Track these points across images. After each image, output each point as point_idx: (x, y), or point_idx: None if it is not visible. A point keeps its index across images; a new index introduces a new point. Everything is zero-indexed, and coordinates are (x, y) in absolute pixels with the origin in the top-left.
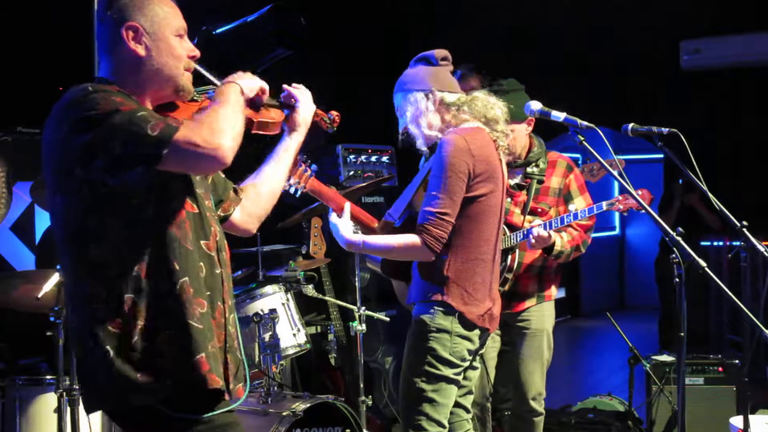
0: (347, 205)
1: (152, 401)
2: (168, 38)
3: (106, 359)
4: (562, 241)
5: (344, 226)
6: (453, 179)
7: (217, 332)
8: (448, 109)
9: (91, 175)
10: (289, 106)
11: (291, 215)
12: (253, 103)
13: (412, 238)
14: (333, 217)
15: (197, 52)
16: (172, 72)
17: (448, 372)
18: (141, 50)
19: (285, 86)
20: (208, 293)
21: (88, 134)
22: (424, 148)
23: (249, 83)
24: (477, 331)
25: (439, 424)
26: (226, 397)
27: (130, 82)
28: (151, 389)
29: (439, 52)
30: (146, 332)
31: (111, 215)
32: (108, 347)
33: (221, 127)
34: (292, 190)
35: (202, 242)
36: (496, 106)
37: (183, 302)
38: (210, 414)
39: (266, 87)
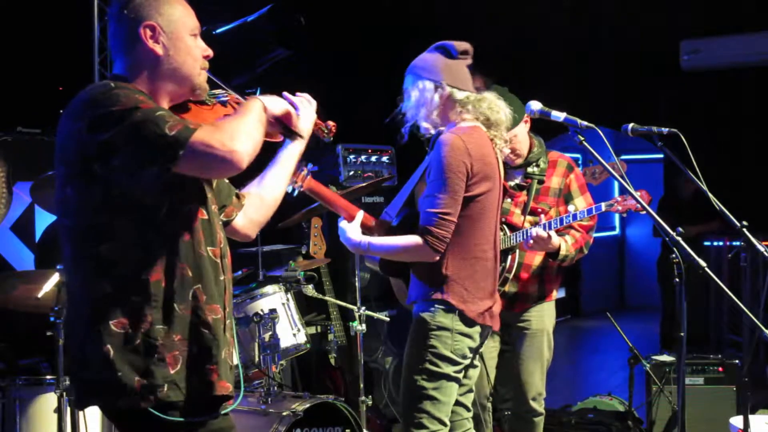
0: (359, 214)
1: (141, 406)
2: (185, 38)
3: (104, 357)
4: (566, 246)
5: (351, 230)
6: (452, 179)
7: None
8: (453, 106)
9: (109, 172)
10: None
11: (291, 215)
12: (286, 128)
13: (415, 239)
14: (343, 222)
15: (211, 52)
16: (189, 71)
17: (449, 369)
18: (159, 49)
19: (285, 94)
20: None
21: (109, 131)
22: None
23: (273, 101)
24: (477, 328)
25: (441, 422)
26: (230, 402)
27: (146, 80)
28: (144, 394)
29: (460, 45)
30: (150, 337)
31: (123, 215)
32: (108, 345)
33: (238, 132)
34: (289, 190)
35: (209, 249)
36: (501, 111)
37: (195, 309)
38: (205, 417)
39: (292, 110)
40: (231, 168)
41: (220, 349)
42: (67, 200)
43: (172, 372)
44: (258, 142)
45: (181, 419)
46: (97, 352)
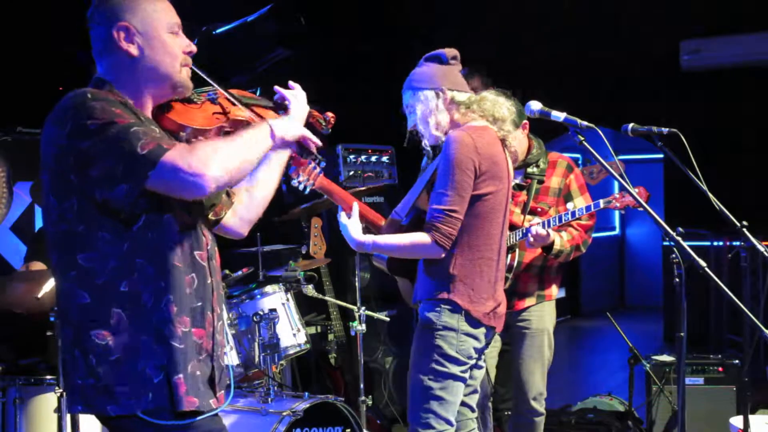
0: (356, 205)
1: (129, 412)
2: (161, 36)
3: (89, 364)
4: (561, 240)
5: (353, 227)
6: (460, 176)
7: (206, 342)
8: (457, 108)
9: (85, 184)
10: (282, 107)
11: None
12: (302, 149)
13: (421, 237)
14: (342, 218)
15: (193, 48)
16: (167, 70)
17: (455, 369)
18: (134, 50)
19: (277, 88)
20: (199, 304)
21: (84, 143)
22: (428, 147)
23: (287, 127)
24: (483, 329)
25: (447, 422)
26: (213, 404)
27: (127, 82)
28: (129, 402)
29: (450, 51)
30: (130, 347)
31: (100, 225)
32: (92, 354)
33: (214, 156)
34: (300, 187)
35: (196, 253)
36: (504, 106)
37: (167, 321)
38: (191, 420)
39: (309, 135)
40: (196, 191)
41: (188, 362)
42: (49, 208)
43: (155, 381)
44: (240, 166)
45: (170, 422)
46: (83, 359)
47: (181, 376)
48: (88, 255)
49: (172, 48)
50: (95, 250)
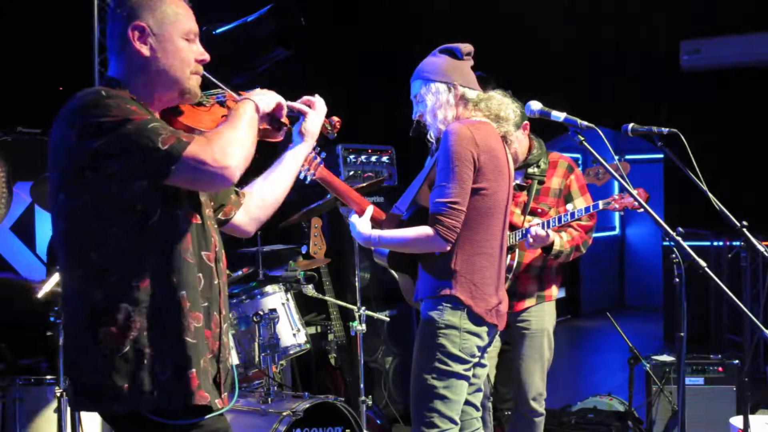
0: (370, 208)
1: (135, 410)
2: (175, 40)
3: (96, 363)
4: (561, 241)
5: (362, 224)
6: (460, 167)
7: (212, 342)
8: (465, 105)
9: (100, 181)
10: (301, 113)
11: (291, 214)
12: (273, 119)
13: (425, 230)
14: (354, 217)
15: (207, 57)
16: (177, 74)
17: (458, 368)
18: (145, 50)
19: (310, 97)
20: (206, 305)
21: (99, 140)
22: (432, 140)
23: (266, 99)
24: (485, 327)
25: (452, 421)
26: (219, 404)
27: (137, 82)
28: (136, 400)
29: (465, 47)
30: (139, 344)
31: (114, 222)
32: (99, 353)
33: (231, 146)
34: (301, 176)
35: (203, 253)
36: (509, 107)
37: (179, 316)
38: (198, 419)
39: (283, 102)
40: (222, 183)
41: (200, 357)
42: (60, 206)
43: (162, 379)
44: (250, 151)
45: (176, 422)
46: (90, 358)
47: (194, 370)
48: (102, 252)
49: (184, 53)
50: (109, 247)
